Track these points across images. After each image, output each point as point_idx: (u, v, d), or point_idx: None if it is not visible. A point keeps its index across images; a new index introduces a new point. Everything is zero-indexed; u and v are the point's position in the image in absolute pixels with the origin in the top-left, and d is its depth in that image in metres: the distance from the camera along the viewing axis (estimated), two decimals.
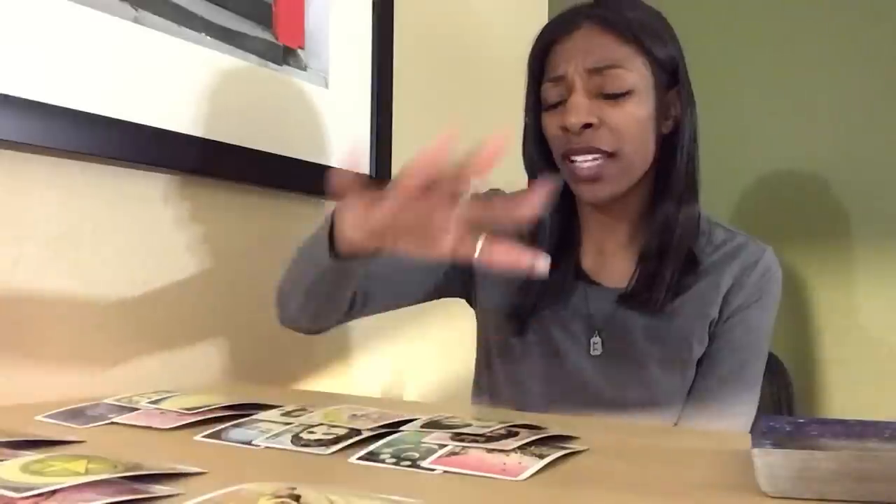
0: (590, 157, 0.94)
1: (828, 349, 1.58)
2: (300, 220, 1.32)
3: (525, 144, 1.04)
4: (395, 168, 1.50)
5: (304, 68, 1.32)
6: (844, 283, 1.57)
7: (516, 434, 0.62)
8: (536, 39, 1.00)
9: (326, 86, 1.36)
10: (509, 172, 0.94)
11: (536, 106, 1.00)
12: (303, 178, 1.31)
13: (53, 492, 0.46)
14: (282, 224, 1.29)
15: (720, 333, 0.98)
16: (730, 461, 0.57)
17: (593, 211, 1.04)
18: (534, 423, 0.66)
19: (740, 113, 1.71)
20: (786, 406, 1.16)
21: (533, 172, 1.03)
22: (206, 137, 1.15)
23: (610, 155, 0.94)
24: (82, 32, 1.00)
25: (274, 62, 1.26)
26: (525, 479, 0.52)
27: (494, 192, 0.95)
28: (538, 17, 1.75)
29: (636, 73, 0.94)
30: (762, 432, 0.49)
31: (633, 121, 0.94)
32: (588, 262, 1.04)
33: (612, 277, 1.02)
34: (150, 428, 0.72)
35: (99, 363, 1.02)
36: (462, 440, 0.60)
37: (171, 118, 1.10)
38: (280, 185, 1.27)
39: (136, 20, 1.06)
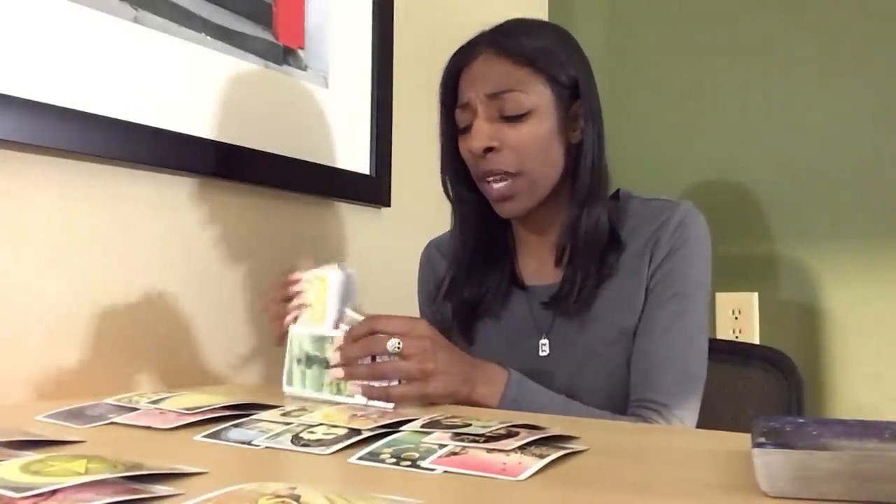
0: (498, 177, 1.00)
1: (839, 348, 1.58)
2: (298, 219, 1.32)
3: (442, 167, 1.09)
4: (395, 168, 1.50)
5: (304, 68, 1.32)
6: (857, 282, 1.57)
7: (516, 434, 0.61)
8: (445, 68, 1.06)
9: (326, 86, 1.36)
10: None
11: (452, 130, 1.05)
12: (302, 178, 1.31)
13: (53, 492, 0.46)
14: (280, 224, 1.29)
15: (651, 289, 1.01)
16: (730, 461, 0.57)
17: (521, 222, 1.09)
18: (534, 424, 0.66)
19: (755, 108, 1.71)
20: (796, 405, 1.16)
21: (448, 193, 1.09)
22: (206, 137, 1.15)
23: (515, 174, 0.99)
24: (82, 32, 1.00)
25: (274, 62, 1.27)
26: (525, 479, 0.52)
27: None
28: (539, 18, 1.74)
29: (535, 94, 0.99)
30: (762, 432, 0.49)
31: (533, 139, 0.99)
32: (528, 268, 1.10)
33: (547, 281, 1.07)
34: (150, 428, 0.72)
35: (99, 363, 1.02)
36: (462, 440, 0.60)
37: (170, 118, 1.10)
38: (279, 184, 1.27)
39: (135, 20, 1.06)
